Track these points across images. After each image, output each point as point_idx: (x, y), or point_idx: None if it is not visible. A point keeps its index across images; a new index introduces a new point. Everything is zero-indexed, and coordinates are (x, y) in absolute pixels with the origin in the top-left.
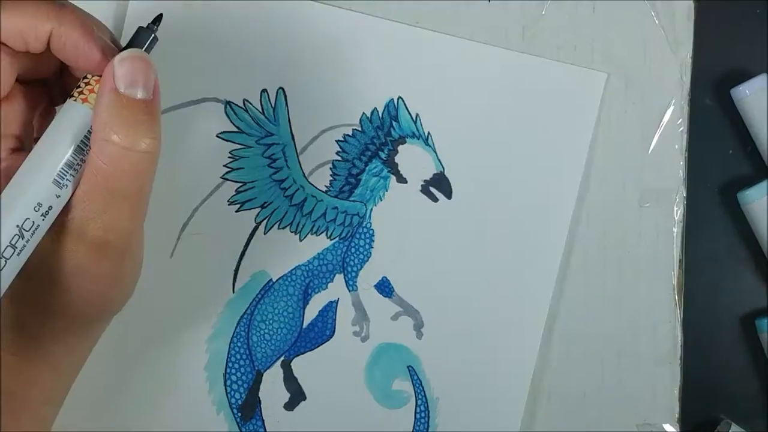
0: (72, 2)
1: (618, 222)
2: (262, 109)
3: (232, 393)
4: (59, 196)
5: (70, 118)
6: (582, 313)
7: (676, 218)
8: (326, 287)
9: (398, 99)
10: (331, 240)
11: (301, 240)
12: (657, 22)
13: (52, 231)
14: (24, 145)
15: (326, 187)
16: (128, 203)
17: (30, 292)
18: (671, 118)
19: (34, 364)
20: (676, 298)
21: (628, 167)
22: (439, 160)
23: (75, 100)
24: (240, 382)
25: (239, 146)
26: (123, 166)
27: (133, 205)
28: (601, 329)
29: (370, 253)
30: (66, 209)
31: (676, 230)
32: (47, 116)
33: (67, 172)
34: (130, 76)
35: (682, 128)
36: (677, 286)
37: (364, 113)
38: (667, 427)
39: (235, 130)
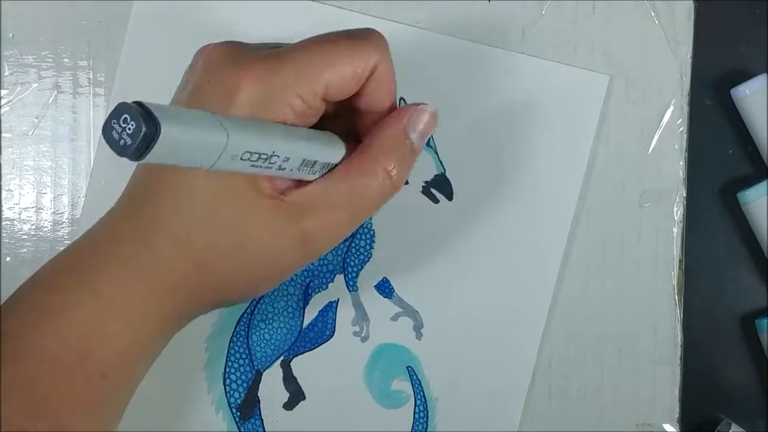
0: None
1: (618, 222)
2: None
3: (232, 392)
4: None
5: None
6: (582, 313)
7: (676, 218)
8: (326, 287)
9: (400, 100)
10: None
11: None
12: (657, 22)
13: (283, 207)
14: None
15: None
16: (356, 219)
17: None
18: (671, 118)
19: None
20: (676, 298)
21: (628, 167)
22: (440, 162)
23: None
24: (239, 382)
25: None
26: (376, 187)
27: (357, 224)
28: (601, 329)
29: (371, 253)
30: (312, 193)
31: (676, 230)
32: None
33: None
34: (425, 127)
35: (682, 128)
36: (677, 286)
37: None
38: (667, 427)
39: None
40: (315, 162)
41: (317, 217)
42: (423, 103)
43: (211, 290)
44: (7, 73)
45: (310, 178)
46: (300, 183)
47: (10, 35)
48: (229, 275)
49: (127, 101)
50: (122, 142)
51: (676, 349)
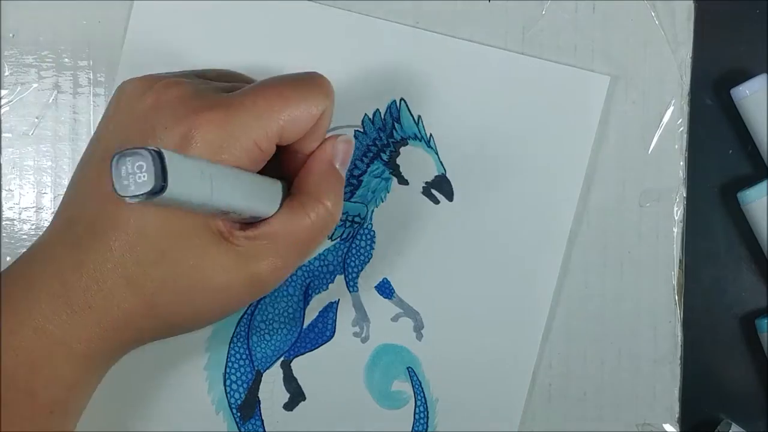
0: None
1: (618, 222)
2: None
3: (232, 393)
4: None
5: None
6: (582, 313)
7: (676, 218)
8: (327, 288)
9: (400, 101)
10: (332, 241)
11: None
12: (657, 22)
13: (234, 250)
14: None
15: None
16: (300, 259)
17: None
18: (671, 118)
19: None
20: (676, 298)
21: (628, 167)
22: (441, 163)
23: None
24: (240, 382)
25: None
26: (320, 224)
27: (302, 262)
28: (601, 329)
29: (371, 254)
30: (254, 234)
31: (676, 230)
32: None
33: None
34: (345, 156)
35: (682, 128)
36: (677, 286)
37: (366, 114)
38: (667, 427)
39: None
40: (262, 206)
41: (268, 260)
42: (338, 135)
43: (158, 326)
44: (7, 73)
45: (258, 217)
46: (248, 224)
47: (10, 35)
48: (179, 313)
49: (150, 148)
50: (126, 183)
51: (676, 349)
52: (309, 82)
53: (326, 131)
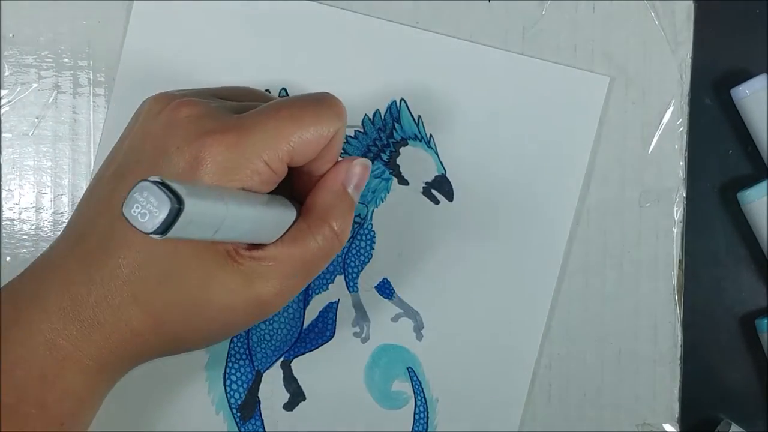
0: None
1: (618, 222)
2: None
3: (232, 393)
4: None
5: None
6: (582, 313)
7: (676, 218)
8: (327, 288)
9: (401, 101)
10: None
11: None
12: (657, 22)
13: (240, 271)
14: None
15: None
16: (305, 281)
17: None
18: (671, 118)
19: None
20: (676, 298)
21: (628, 167)
22: (441, 163)
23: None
24: (240, 382)
25: None
26: (326, 247)
27: (306, 283)
28: (601, 329)
29: (371, 254)
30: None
31: (676, 230)
32: None
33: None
34: (359, 180)
35: (682, 128)
36: (677, 286)
37: (366, 115)
38: (667, 427)
39: None
40: (270, 231)
41: (272, 282)
42: (355, 157)
43: (165, 343)
44: (7, 73)
45: (266, 241)
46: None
47: (10, 35)
48: (185, 332)
49: (149, 179)
50: (137, 215)
51: (676, 349)
52: (321, 104)
53: (339, 152)
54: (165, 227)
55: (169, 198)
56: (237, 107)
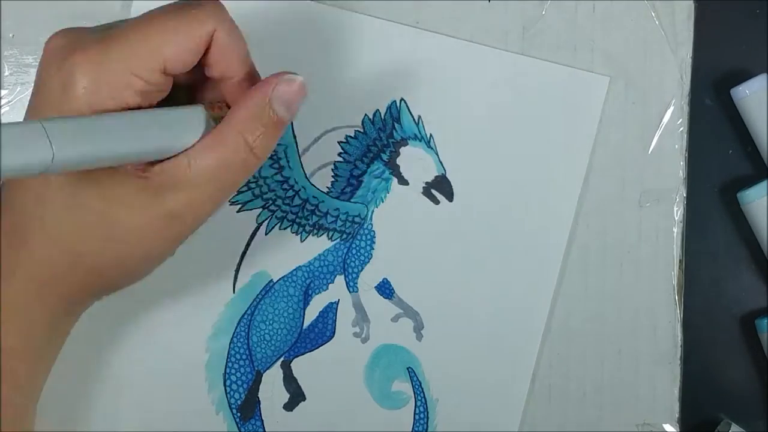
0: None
1: (618, 222)
2: None
3: (232, 393)
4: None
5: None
6: (582, 313)
7: (676, 218)
8: (327, 288)
9: (400, 101)
10: (332, 241)
11: (302, 241)
12: (657, 22)
13: (147, 185)
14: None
15: (328, 188)
16: (221, 194)
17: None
18: (671, 118)
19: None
20: (676, 298)
21: (628, 167)
22: (441, 163)
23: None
24: (240, 382)
25: None
26: (237, 160)
27: (222, 199)
28: (601, 329)
29: (371, 254)
30: (170, 168)
31: (676, 230)
32: None
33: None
34: (289, 97)
35: (682, 128)
36: (677, 286)
37: (366, 114)
38: (667, 427)
39: None
40: (168, 142)
41: (181, 193)
42: (290, 72)
43: (90, 279)
44: (7, 73)
45: (168, 155)
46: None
47: (10, 35)
48: (103, 262)
49: (29, 122)
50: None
51: (676, 349)
52: (189, 5)
53: (241, 54)
54: (44, 167)
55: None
56: (108, 27)
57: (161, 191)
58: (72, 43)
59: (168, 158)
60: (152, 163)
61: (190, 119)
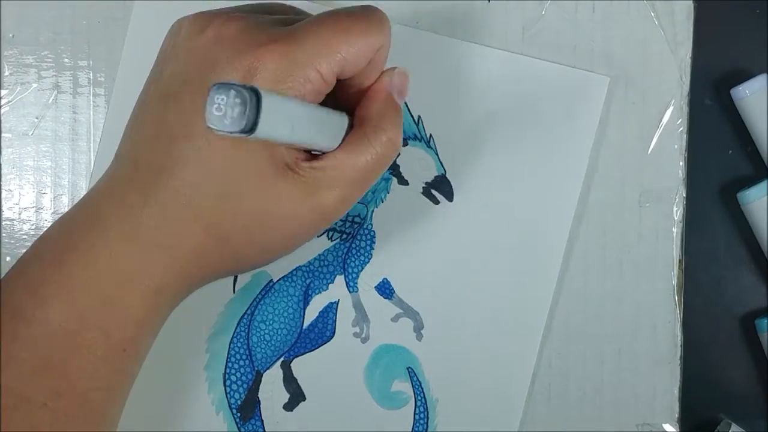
0: (78, 2)
1: (618, 222)
2: None
3: (232, 393)
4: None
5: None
6: (582, 313)
7: (676, 218)
8: (327, 288)
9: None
10: (332, 241)
11: None
12: (657, 22)
13: (301, 181)
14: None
15: None
16: (361, 192)
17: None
18: (671, 118)
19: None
20: (676, 298)
21: (628, 167)
22: (441, 163)
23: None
24: (240, 383)
25: None
26: (384, 154)
27: (361, 194)
28: (601, 329)
29: (371, 254)
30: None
31: (676, 230)
32: None
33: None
34: (403, 87)
35: (681, 128)
36: (677, 286)
37: None
38: (667, 427)
39: None
40: (330, 138)
41: (335, 190)
42: (394, 66)
43: (227, 261)
44: (7, 73)
45: (325, 150)
46: (313, 155)
47: (10, 35)
48: (247, 247)
49: (248, 86)
50: (219, 116)
51: (676, 349)
52: (370, 16)
53: (384, 65)
54: (251, 124)
55: (248, 94)
56: (283, 20)
57: (315, 188)
58: (254, 31)
59: (316, 156)
60: (306, 158)
61: (341, 122)
